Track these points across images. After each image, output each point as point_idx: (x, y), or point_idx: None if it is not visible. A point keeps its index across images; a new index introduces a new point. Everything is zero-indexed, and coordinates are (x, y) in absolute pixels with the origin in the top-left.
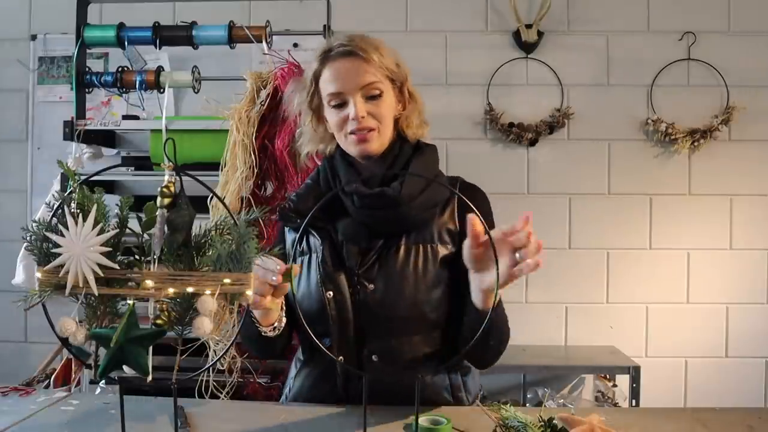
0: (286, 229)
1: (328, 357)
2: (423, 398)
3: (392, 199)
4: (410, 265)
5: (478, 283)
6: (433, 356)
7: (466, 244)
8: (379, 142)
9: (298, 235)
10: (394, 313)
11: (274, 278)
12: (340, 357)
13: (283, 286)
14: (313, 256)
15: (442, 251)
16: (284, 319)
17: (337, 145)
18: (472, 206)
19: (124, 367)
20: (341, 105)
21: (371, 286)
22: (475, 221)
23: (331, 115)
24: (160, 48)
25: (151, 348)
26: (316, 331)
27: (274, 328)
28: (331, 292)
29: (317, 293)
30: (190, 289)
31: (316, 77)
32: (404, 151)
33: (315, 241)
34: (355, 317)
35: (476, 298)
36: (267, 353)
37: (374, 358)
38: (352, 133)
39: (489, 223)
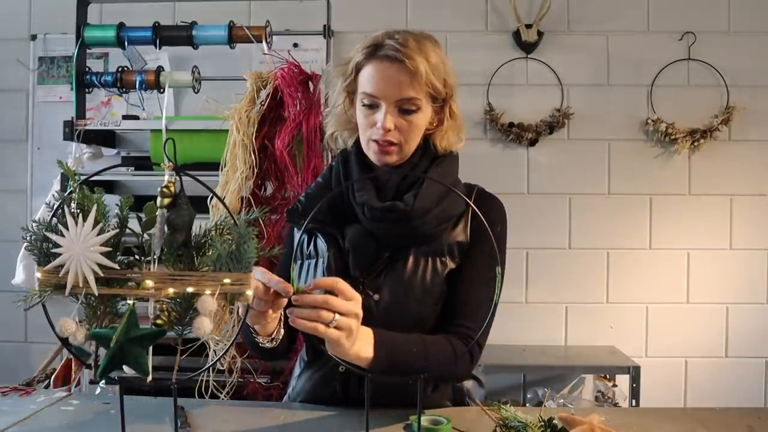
0: (295, 229)
1: (330, 362)
2: (424, 406)
3: (404, 212)
4: (417, 277)
5: None
6: None
7: None
8: (399, 156)
9: (298, 237)
10: (397, 324)
11: (293, 296)
12: (341, 367)
13: (280, 302)
14: (320, 260)
15: (450, 265)
16: (282, 331)
17: (355, 142)
18: (485, 222)
19: (124, 367)
20: (372, 107)
21: (376, 296)
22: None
23: (359, 113)
24: (160, 48)
25: (151, 348)
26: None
27: (272, 339)
28: None
29: None
30: (190, 289)
31: (358, 68)
32: (422, 163)
33: (322, 245)
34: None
35: None
36: (267, 357)
37: None
38: (374, 140)
39: (497, 234)
